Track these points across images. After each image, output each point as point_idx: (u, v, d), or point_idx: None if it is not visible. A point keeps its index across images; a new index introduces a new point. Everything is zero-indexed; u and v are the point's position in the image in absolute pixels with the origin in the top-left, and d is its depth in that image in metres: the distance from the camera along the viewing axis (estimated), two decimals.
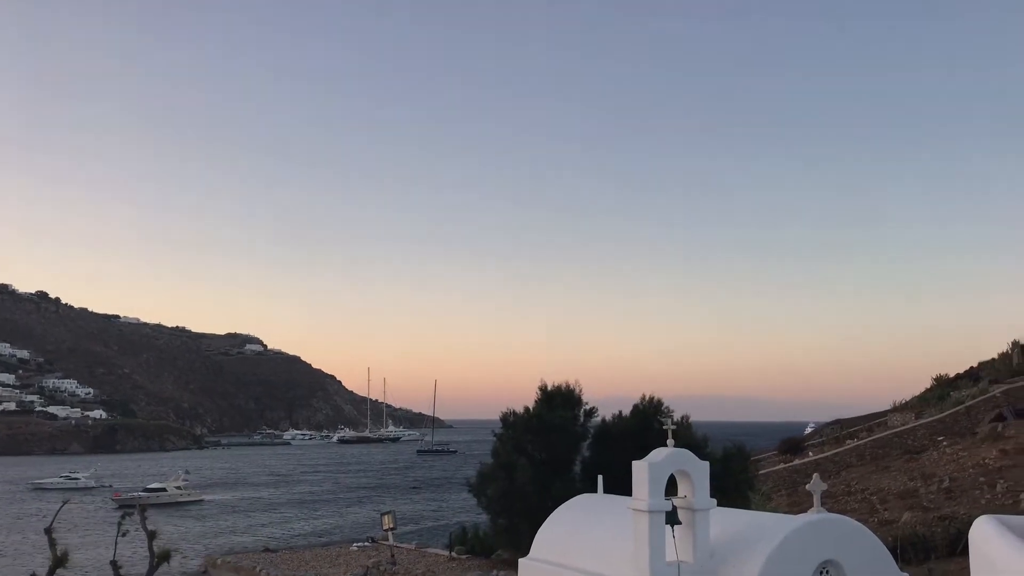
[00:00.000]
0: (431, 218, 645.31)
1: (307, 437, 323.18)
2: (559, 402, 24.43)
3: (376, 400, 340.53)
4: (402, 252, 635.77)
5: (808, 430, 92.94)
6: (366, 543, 29.21)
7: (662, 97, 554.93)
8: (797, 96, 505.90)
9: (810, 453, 58.14)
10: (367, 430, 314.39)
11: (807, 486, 13.11)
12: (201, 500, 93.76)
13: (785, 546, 10.55)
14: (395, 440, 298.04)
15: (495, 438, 25.12)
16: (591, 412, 25.16)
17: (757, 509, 20.41)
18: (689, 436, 21.42)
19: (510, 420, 24.79)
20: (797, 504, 33.43)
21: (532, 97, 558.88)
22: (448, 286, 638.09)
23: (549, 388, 24.83)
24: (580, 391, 25.09)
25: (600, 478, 14.15)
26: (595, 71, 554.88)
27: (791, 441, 66.61)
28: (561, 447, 23.36)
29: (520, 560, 12.69)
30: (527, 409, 24.49)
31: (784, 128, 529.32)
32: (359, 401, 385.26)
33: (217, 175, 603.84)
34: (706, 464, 11.36)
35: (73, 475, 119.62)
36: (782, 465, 53.37)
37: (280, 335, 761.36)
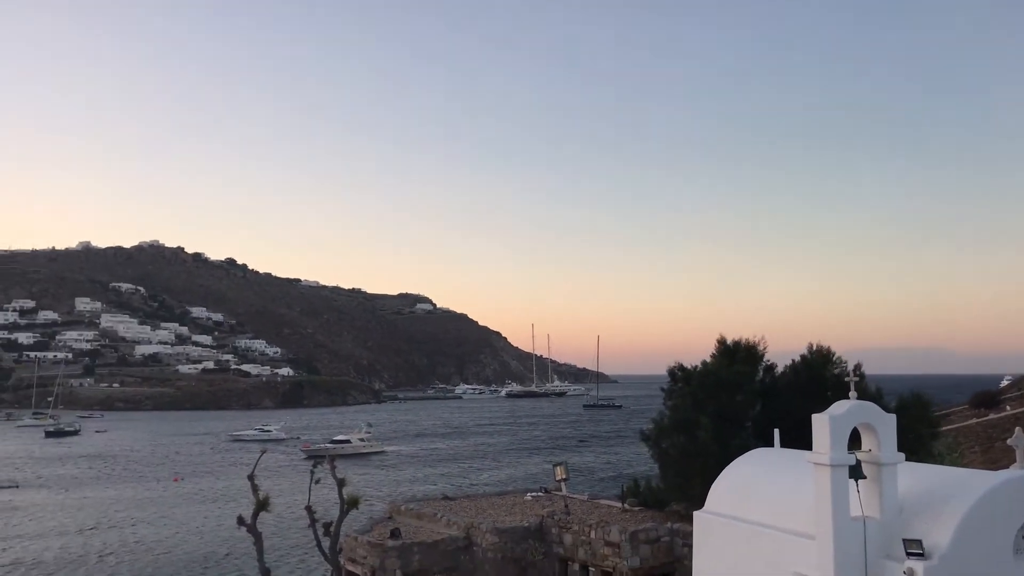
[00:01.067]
0: (596, 181, 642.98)
1: (477, 391, 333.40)
2: (741, 356, 23.79)
3: (541, 356, 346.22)
4: (565, 214, 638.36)
5: (1004, 383, 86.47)
6: (539, 493, 29.95)
7: None
8: None
9: (1007, 407, 54.06)
10: (533, 385, 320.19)
11: (1008, 441, 12.23)
12: (383, 451, 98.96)
13: (984, 503, 9.91)
14: (561, 395, 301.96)
15: (664, 393, 24.88)
16: (771, 368, 24.38)
17: (946, 464, 19.24)
18: (862, 388, 20.38)
19: (678, 375, 24.46)
20: (993, 461, 31.29)
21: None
22: (609, 241, 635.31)
23: (729, 343, 24.22)
24: (764, 347, 24.36)
25: (776, 432, 13.79)
26: None
27: (984, 395, 61.99)
28: (739, 403, 22.82)
29: (695, 513, 12.61)
30: (704, 364, 24.05)
31: None
32: (524, 357, 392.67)
33: (379, 151, 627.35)
34: (892, 417, 10.81)
35: (266, 428, 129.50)
36: (974, 420, 50.01)
37: (448, 294, 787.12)
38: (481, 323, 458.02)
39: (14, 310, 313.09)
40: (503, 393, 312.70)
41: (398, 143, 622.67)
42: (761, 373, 24.23)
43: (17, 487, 68.10)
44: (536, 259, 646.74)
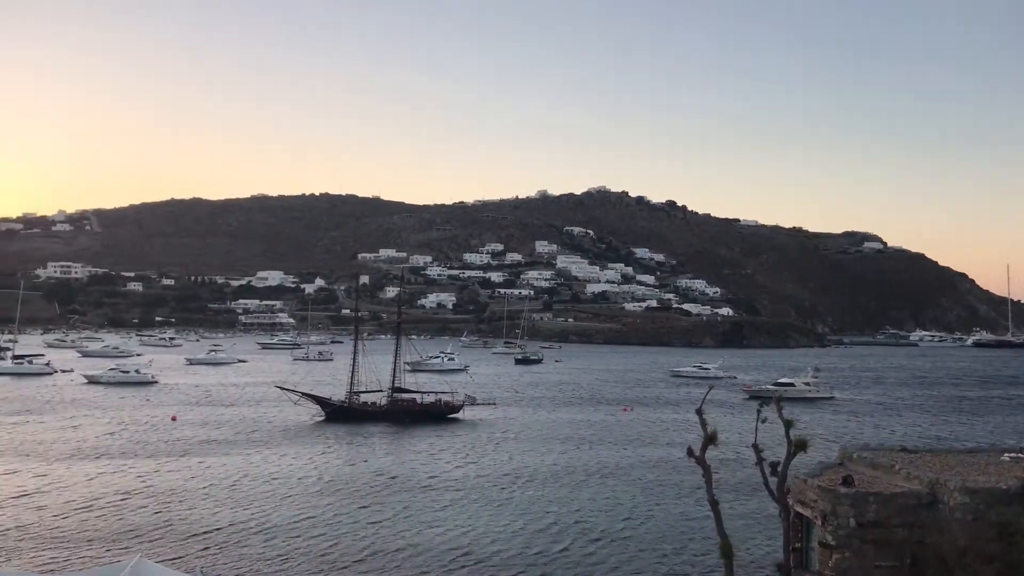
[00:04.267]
0: None
1: (936, 339, 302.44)
2: None
3: (1019, 301, 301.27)
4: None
5: None
6: (1020, 454, 26.02)
7: None
8: None
9: None
10: (1008, 333, 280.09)
11: None
12: (832, 397, 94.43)
13: None
14: None
15: None
16: None
17: None
18: None
19: None
20: None
21: None
22: None
23: None
24: None
25: None
26: None
27: None
28: None
29: None
30: None
31: None
32: (997, 302, 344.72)
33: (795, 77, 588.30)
34: None
35: (704, 366, 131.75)
36: None
37: (901, 232, 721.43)
38: (942, 263, 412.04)
39: (487, 252, 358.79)
40: (969, 342, 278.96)
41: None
42: None
43: (495, 405, 78.33)
44: (1012, 189, 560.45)
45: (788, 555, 21.91)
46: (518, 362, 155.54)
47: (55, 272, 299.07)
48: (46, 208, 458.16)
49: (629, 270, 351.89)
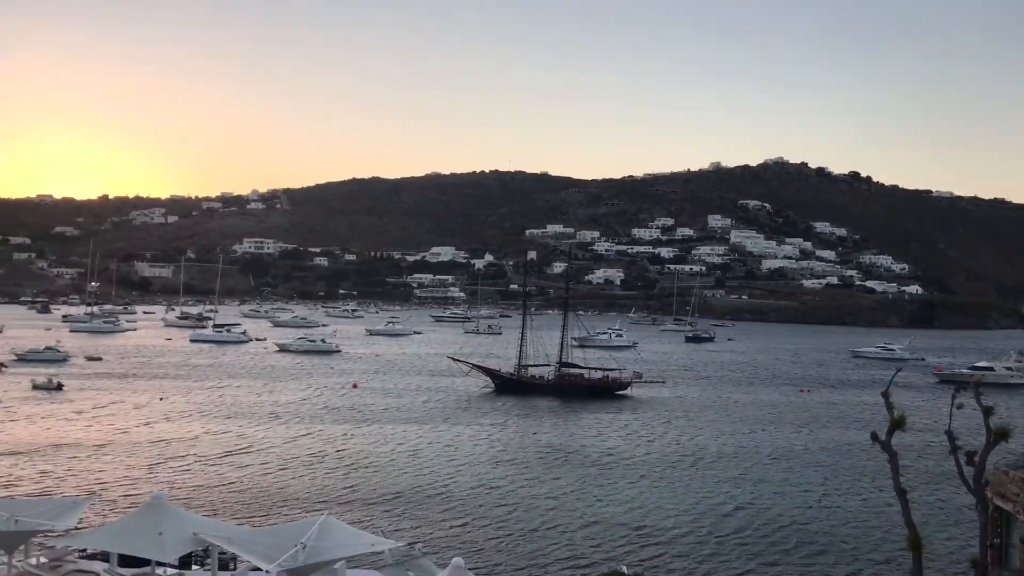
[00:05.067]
0: None
1: None
2: None
3: None
4: None
5: None
6: None
7: None
8: None
9: None
10: None
11: None
12: None
13: None
14: None
15: None
16: None
17: None
18: None
19: None
20: None
21: None
22: None
23: None
24: None
25: None
26: None
27: None
28: None
29: None
30: None
31: None
32: None
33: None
34: None
35: (889, 346, 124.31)
36: None
37: None
38: None
39: (656, 227, 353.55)
40: None
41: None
42: None
43: (664, 383, 77.50)
44: None
45: (985, 551, 20.44)
46: (688, 340, 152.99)
47: (250, 248, 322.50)
48: (242, 188, 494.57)
49: (808, 245, 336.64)
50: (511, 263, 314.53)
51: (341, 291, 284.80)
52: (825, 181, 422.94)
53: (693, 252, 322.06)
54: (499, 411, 61.09)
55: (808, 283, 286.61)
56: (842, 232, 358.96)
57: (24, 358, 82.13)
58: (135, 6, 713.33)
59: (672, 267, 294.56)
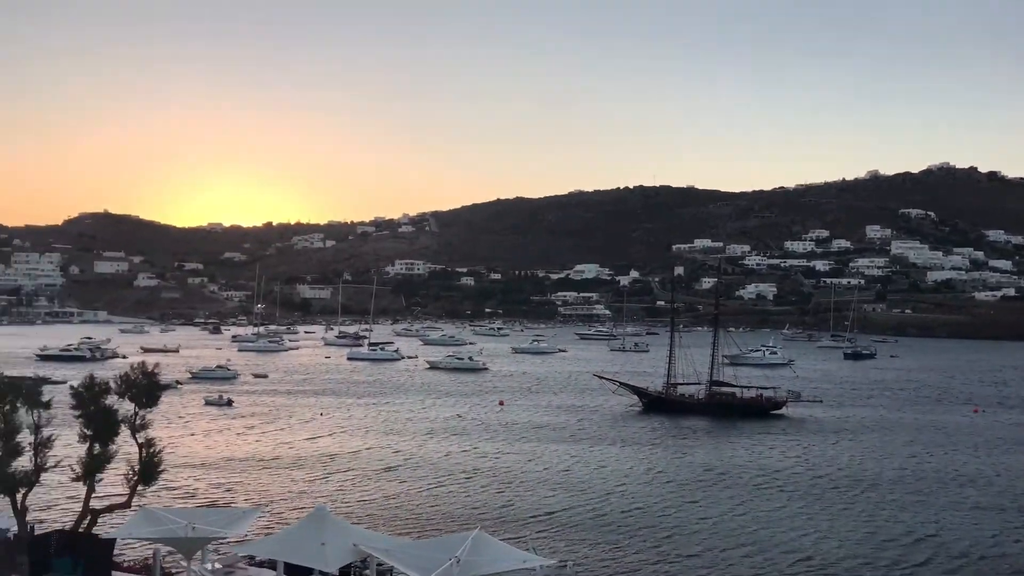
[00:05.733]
0: None
1: None
2: None
3: None
4: None
5: None
6: None
7: None
8: None
9: None
10: None
11: None
12: None
13: None
14: None
15: None
16: None
17: None
18: None
19: None
20: None
21: None
22: None
23: None
24: None
25: None
26: None
27: None
28: None
29: None
30: None
31: None
32: None
33: None
34: None
35: None
36: None
37: None
38: None
39: (810, 240, 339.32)
40: None
41: None
42: None
43: (821, 402, 73.73)
44: None
45: None
46: (847, 356, 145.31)
47: (401, 269, 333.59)
48: (393, 212, 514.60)
49: (980, 255, 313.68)
50: (657, 279, 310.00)
51: (487, 309, 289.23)
52: (998, 186, 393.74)
53: (850, 264, 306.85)
54: (648, 430, 59.91)
55: (981, 296, 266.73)
56: (1019, 240, 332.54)
57: (198, 376, 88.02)
58: (296, 61, 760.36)
59: (828, 281, 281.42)
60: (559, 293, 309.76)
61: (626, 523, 33.84)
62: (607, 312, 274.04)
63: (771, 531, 32.97)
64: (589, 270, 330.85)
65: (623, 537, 31.66)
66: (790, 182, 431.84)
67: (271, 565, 21.13)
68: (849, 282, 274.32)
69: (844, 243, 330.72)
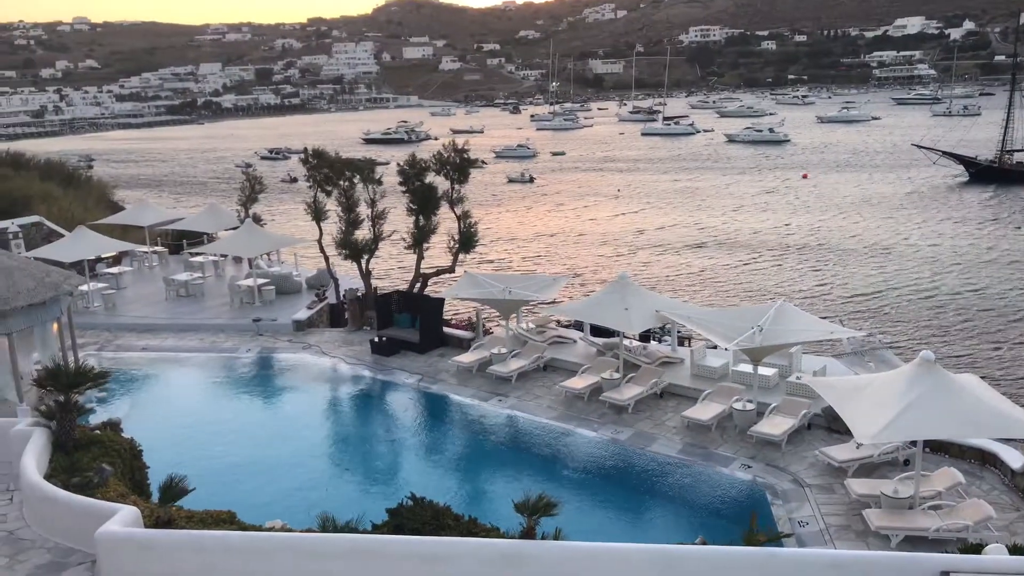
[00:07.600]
0: None
1: None
2: None
3: None
4: None
5: None
6: None
7: None
8: None
9: None
10: None
11: None
12: None
13: None
14: None
15: None
16: None
17: None
18: None
19: None
20: None
21: None
22: None
23: None
24: None
25: None
26: None
27: None
28: None
29: None
30: None
31: None
32: None
33: None
34: None
35: None
36: None
37: None
38: None
39: None
40: None
41: None
42: None
43: None
44: None
45: None
46: None
47: (695, 36, 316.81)
48: None
49: None
50: (998, 30, 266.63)
51: (790, 76, 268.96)
52: None
53: None
54: (979, 204, 54.19)
55: None
56: None
57: (501, 154, 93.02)
58: None
59: None
60: (875, 54, 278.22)
61: (959, 306, 31.51)
62: (931, 72, 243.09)
63: None
64: (912, 25, 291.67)
65: (957, 321, 29.69)
66: None
67: (578, 326, 22.84)
68: None
69: None
